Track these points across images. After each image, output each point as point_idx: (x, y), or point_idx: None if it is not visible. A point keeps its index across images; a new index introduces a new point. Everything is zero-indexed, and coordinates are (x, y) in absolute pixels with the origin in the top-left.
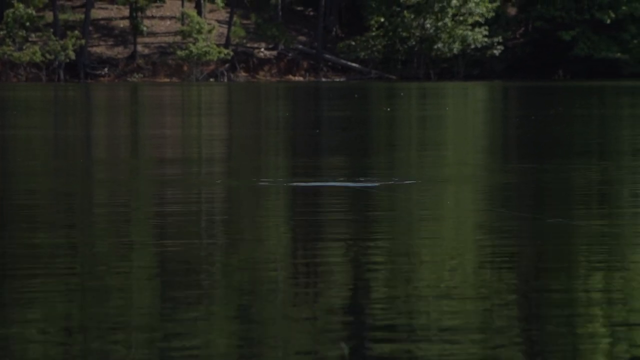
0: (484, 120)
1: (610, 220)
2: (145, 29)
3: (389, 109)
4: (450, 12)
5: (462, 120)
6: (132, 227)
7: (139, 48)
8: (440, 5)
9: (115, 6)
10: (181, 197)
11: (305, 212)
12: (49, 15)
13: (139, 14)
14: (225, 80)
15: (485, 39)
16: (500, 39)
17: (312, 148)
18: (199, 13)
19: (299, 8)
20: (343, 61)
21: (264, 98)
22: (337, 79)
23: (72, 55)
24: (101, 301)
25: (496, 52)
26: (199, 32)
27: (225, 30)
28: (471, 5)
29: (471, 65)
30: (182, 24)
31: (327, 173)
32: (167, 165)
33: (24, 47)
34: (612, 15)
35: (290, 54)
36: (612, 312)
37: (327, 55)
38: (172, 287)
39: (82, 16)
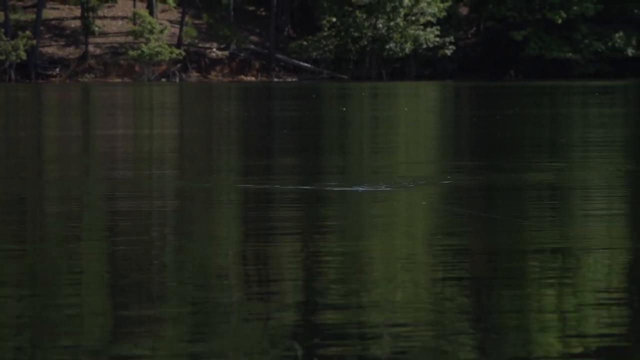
0: (446, 121)
1: (561, 219)
2: (96, 29)
3: (344, 109)
4: (402, 12)
5: (426, 120)
6: (82, 229)
7: (91, 48)
8: (392, 5)
9: (67, 6)
10: (131, 196)
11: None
12: None
13: (91, 14)
14: (177, 80)
15: (437, 39)
16: (452, 38)
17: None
18: (151, 13)
19: (250, 8)
20: (295, 61)
21: (217, 98)
22: (289, 79)
23: (23, 56)
24: (50, 307)
25: (448, 52)
26: (151, 32)
27: (177, 31)
28: (423, 5)
29: (423, 65)
30: (134, 24)
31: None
32: (117, 164)
33: None
34: (563, 15)
35: (242, 54)
36: (564, 306)
37: (279, 55)
38: (123, 288)
39: (34, 16)
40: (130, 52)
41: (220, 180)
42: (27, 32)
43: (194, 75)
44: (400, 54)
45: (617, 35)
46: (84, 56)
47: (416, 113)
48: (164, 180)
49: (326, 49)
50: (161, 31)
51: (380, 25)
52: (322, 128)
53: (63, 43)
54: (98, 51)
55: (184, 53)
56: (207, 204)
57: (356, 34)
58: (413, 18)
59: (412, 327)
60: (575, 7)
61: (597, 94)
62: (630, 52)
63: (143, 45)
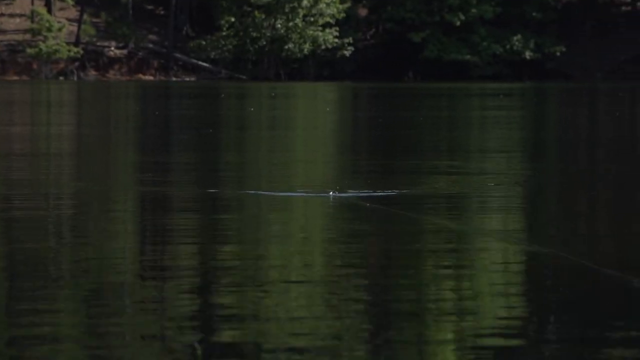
0: (361, 122)
1: (458, 218)
2: None
3: (252, 109)
4: (301, 12)
5: (344, 120)
6: None
7: None
8: (291, 5)
9: None
10: (28, 196)
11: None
12: None
13: None
14: (75, 78)
15: (336, 40)
16: (350, 40)
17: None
18: (49, 11)
19: (149, 7)
20: (193, 60)
21: (117, 97)
22: (188, 79)
23: None
24: None
25: (346, 53)
26: (49, 30)
27: (75, 29)
28: (322, 6)
29: (321, 66)
30: (32, 22)
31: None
32: (13, 162)
33: None
34: (462, 17)
35: (140, 53)
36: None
37: (178, 55)
38: (18, 289)
39: None
40: (28, 50)
41: (120, 181)
42: None
43: (92, 74)
44: (298, 55)
45: (515, 38)
46: None
47: (333, 114)
48: (60, 179)
49: (225, 48)
50: (59, 29)
51: (279, 26)
52: (241, 128)
53: None
54: None
55: (82, 51)
56: (104, 205)
57: (255, 34)
58: (312, 19)
59: (310, 320)
60: (473, 10)
61: (501, 96)
62: (528, 54)
63: (41, 43)
